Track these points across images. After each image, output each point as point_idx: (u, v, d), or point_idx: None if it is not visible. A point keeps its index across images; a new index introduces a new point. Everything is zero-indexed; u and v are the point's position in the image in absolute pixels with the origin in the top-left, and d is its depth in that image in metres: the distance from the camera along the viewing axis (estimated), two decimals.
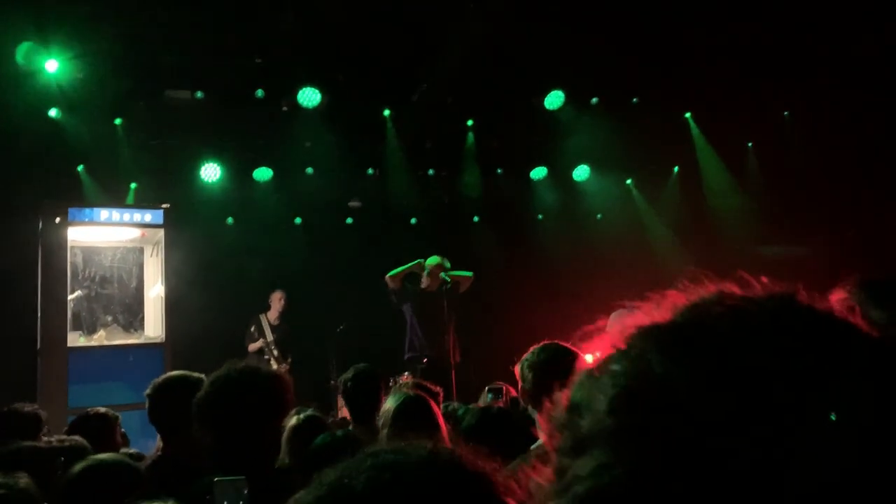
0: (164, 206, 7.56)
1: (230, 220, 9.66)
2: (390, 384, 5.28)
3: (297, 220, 10.04)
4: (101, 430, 3.74)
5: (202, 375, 2.59)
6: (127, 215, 7.47)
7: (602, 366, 0.58)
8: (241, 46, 7.68)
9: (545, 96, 8.96)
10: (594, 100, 9.16)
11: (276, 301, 8.63)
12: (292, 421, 3.20)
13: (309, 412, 3.40)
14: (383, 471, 0.76)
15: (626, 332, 0.60)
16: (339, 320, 8.36)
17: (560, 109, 9.06)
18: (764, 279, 0.59)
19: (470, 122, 9.47)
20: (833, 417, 0.48)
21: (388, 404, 2.77)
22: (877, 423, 0.48)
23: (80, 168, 8.41)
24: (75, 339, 7.13)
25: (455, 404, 4.15)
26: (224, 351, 6.98)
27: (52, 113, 7.73)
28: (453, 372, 6.77)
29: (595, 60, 8.20)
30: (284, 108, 8.58)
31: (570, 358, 2.77)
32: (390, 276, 7.38)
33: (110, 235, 7.60)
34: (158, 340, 7.28)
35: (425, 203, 10.19)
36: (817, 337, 0.53)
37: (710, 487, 0.48)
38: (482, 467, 0.80)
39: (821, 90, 8.53)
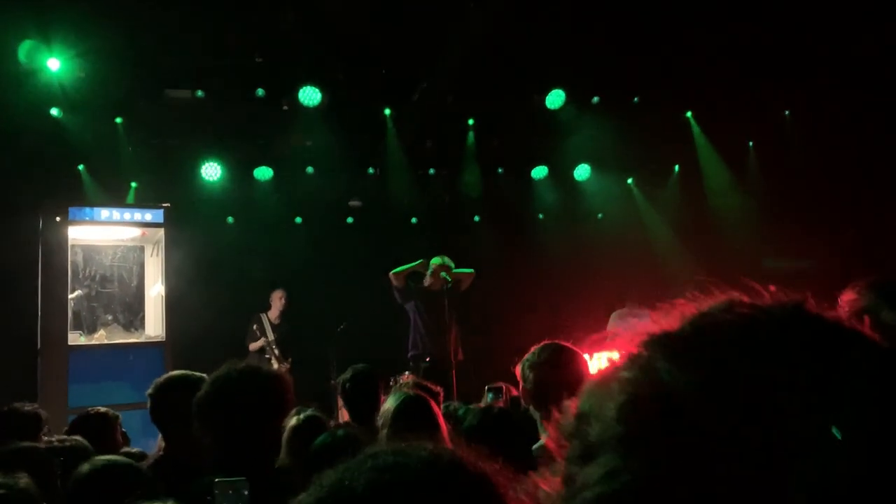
0: (164, 205, 7.56)
1: (230, 219, 9.66)
2: (391, 383, 5.29)
3: (298, 220, 10.04)
4: (102, 430, 3.74)
5: (204, 375, 2.59)
6: (127, 214, 7.48)
7: (610, 374, 0.58)
8: (242, 45, 7.68)
9: (546, 95, 8.94)
10: (595, 99, 9.15)
11: (277, 300, 8.64)
12: (292, 421, 3.20)
13: (309, 412, 3.40)
14: (384, 472, 0.76)
15: (636, 340, 0.59)
16: (340, 320, 8.36)
17: (561, 109, 9.05)
18: (772, 288, 0.60)
19: (470, 122, 9.46)
20: (838, 436, 0.48)
21: (388, 404, 2.76)
22: (884, 432, 0.48)
23: (80, 167, 8.41)
24: (76, 339, 7.13)
25: (455, 404, 4.15)
26: (224, 350, 6.98)
27: (54, 112, 7.73)
28: (455, 371, 6.77)
29: (596, 60, 8.20)
30: (285, 108, 8.57)
31: (571, 358, 2.77)
32: (394, 274, 7.39)
33: (111, 234, 7.61)
34: (159, 340, 7.29)
35: (426, 202, 10.19)
36: (825, 346, 0.53)
37: (716, 494, 0.48)
38: (483, 469, 0.80)
39: (821, 90, 8.52)
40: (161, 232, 7.49)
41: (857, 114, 8.52)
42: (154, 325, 7.53)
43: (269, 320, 8.53)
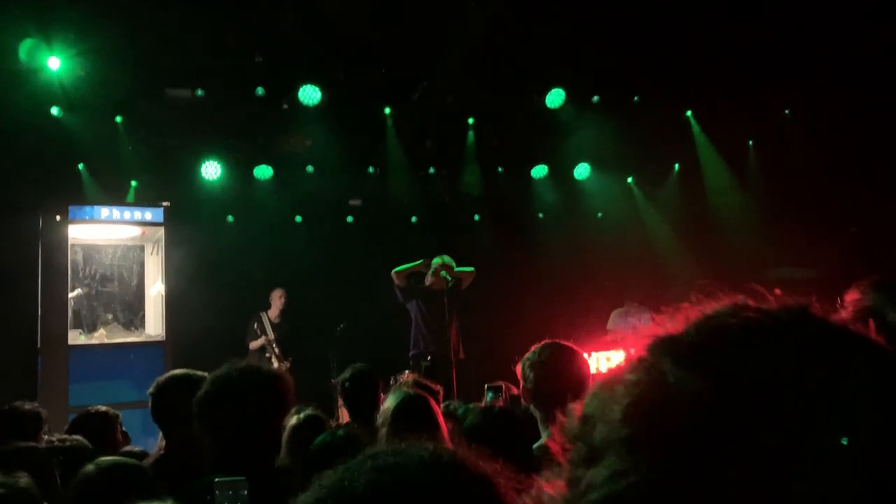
0: (164, 204, 7.56)
1: (230, 218, 9.65)
2: (391, 382, 5.29)
3: (298, 219, 10.03)
4: (102, 429, 3.74)
5: (205, 374, 2.59)
6: (127, 213, 7.48)
7: (615, 377, 0.58)
8: (242, 45, 7.68)
9: (546, 95, 8.95)
10: (595, 98, 9.15)
11: (277, 299, 8.64)
12: (292, 420, 3.20)
13: (309, 411, 3.39)
14: (384, 473, 0.76)
15: (640, 342, 0.60)
16: (340, 319, 8.36)
17: (561, 108, 9.05)
18: (777, 292, 0.60)
19: (471, 121, 9.46)
20: (844, 441, 0.48)
21: (388, 403, 2.76)
22: (890, 438, 0.48)
23: (80, 166, 8.41)
24: (76, 338, 7.13)
25: (455, 403, 4.15)
26: (224, 349, 6.99)
27: (54, 111, 7.73)
28: (456, 370, 6.78)
29: (596, 59, 8.20)
30: (285, 107, 8.57)
31: (572, 357, 2.77)
32: (395, 273, 7.40)
33: (111, 233, 7.61)
34: (159, 339, 7.29)
35: (426, 202, 10.19)
36: (831, 351, 0.53)
37: (721, 496, 0.49)
38: (484, 469, 0.80)
39: (821, 89, 8.52)
40: (161, 231, 7.49)
41: (857, 113, 8.52)
42: (154, 324, 7.53)
43: (269, 319, 8.53)
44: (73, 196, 7.80)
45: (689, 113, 9.87)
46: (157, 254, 7.60)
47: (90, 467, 2.17)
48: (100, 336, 7.28)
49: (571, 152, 10.06)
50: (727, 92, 8.81)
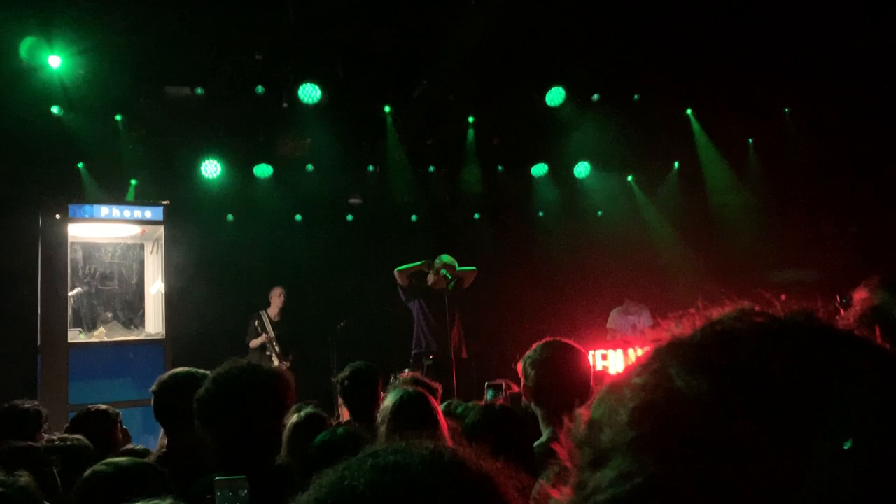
0: (164, 202, 7.56)
1: (230, 216, 9.66)
2: (391, 381, 5.28)
3: (298, 217, 10.04)
4: (102, 428, 3.73)
5: (207, 372, 2.59)
6: (127, 212, 7.47)
7: (622, 381, 0.59)
8: (242, 43, 7.68)
9: (546, 93, 8.94)
10: (595, 96, 9.15)
11: (276, 297, 8.63)
12: (293, 418, 3.19)
13: (309, 409, 3.39)
14: (384, 472, 0.76)
15: (647, 347, 0.60)
16: (340, 317, 8.36)
17: (561, 106, 9.04)
18: (783, 297, 0.61)
19: (471, 119, 9.46)
20: (847, 446, 0.49)
21: (387, 401, 2.76)
22: (894, 442, 0.49)
23: (80, 165, 8.41)
24: (76, 336, 7.13)
25: (456, 402, 4.14)
26: (224, 347, 7.01)
27: (54, 110, 7.73)
28: (457, 369, 6.78)
29: (596, 57, 8.20)
30: (285, 105, 8.57)
31: (573, 354, 2.77)
32: (398, 272, 7.40)
33: (110, 232, 7.61)
34: (159, 337, 7.29)
35: (426, 200, 10.19)
36: (837, 355, 0.54)
37: (727, 497, 0.49)
38: (485, 467, 0.80)
39: (821, 87, 8.52)
40: (161, 229, 7.49)
41: (857, 111, 8.52)
42: (154, 323, 7.53)
43: (268, 318, 8.53)
44: (73, 194, 7.80)
45: (689, 111, 9.87)
46: (157, 252, 7.60)
47: (105, 467, 2.15)
48: (99, 334, 7.28)
49: (571, 151, 10.06)
50: (727, 90, 8.81)
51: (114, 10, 6.65)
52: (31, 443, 2.90)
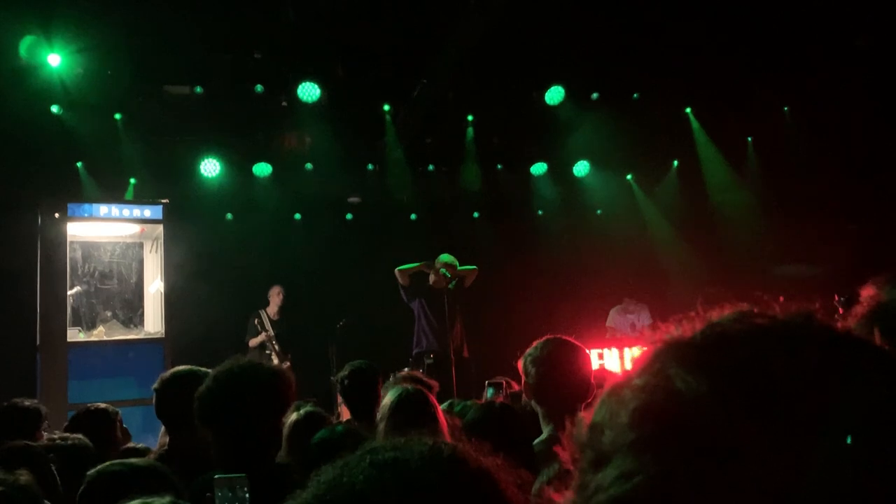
0: (163, 201, 7.56)
1: (229, 215, 9.66)
2: (390, 379, 5.28)
3: (297, 216, 10.04)
4: (102, 426, 3.73)
5: (209, 370, 2.59)
6: (126, 211, 7.47)
7: (623, 383, 0.59)
8: (241, 41, 7.67)
9: (545, 92, 8.94)
10: (594, 95, 9.15)
11: (275, 296, 8.63)
12: (292, 416, 3.19)
13: (309, 407, 3.39)
14: (383, 468, 0.76)
15: (648, 348, 0.61)
16: (339, 316, 8.36)
17: (560, 105, 9.05)
18: (781, 298, 0.62)
19: (470, 118, 9.45)
20: (849, 440, 0.49)
21: (387, 399, 2.76)
22: (892, 441, 0.49)
23: (79, 164, 8.40)
24: (75, 335, 7.13)
25: (456, 402, 4.14)
26: (224, 346, 7.00)
27: (54, 109, 7.72)
28: (458, 367, 6.79)
29: (595, 56, 8.20)
30: (284, 104, 8.56)
31: (573, 352, 2.77)
32: (399, 271, 7.40)
33: (110, 231, 7.60)
34: (158, 336, 7.28)
35: (425, 199, 10.18)
36: (836, 356, 0.55)
37: (727, 496, 0.50)
38: (484, 464, 0.80)
39: (820, 86, 8.52)
40: (160, 228, 7.48)
41: (856, 110, 8.52)
42: (153, 322, 7.53)
43: (268, 316, 8.53)
44: (73, 193, 7.81)
45: (688, 110, 9.87)
46: (157, 251, 7.60)
47: (118, 467, 2.13)
48: (99, 333, 7.27)
49: (571, 149, 10.06)
50: (726, 89, 8.81)
51: (113, 9, 6.65)
52: (30, 442, 2.90)
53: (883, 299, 1.56)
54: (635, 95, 9.21)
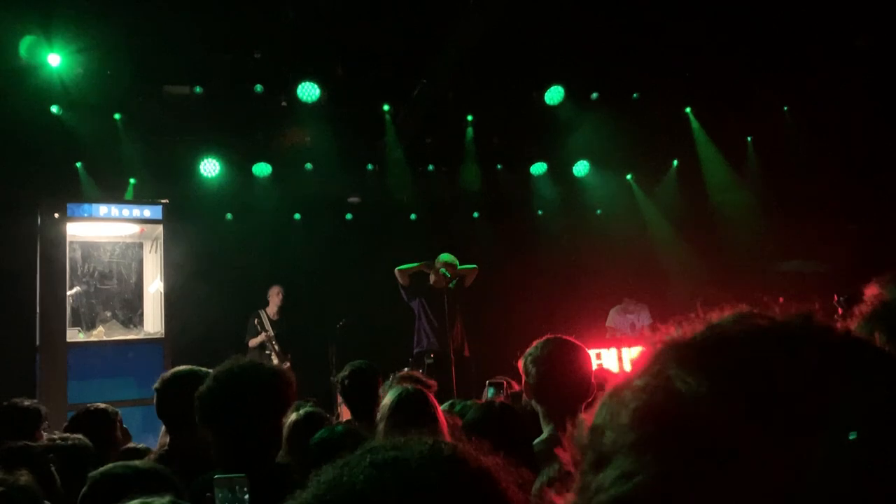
0: (163, 201, 7.56)
1: (229, 215, 9.66)
2: (389, 379, 5.28)
3: (297, 216, 10.04)
4: (102, 426, 3.73)
5: (210, 370, 2.59)
6: (126, 211, 7.47)
7: (623, 385, 0.60)
8: (241, 41, 7.67)
9: (545, 92, 8.94)
10: (594, 95, 9.15)
11: (274, 296, 8.63)
12: (292, 416, 3.19)
13: (308, 407, 3.39)
14: (383, 467, 0.76)
15: (648, 349, 0.61)
16: (339, 316, 8.36)
17: (560, 105, 9.05)
18: (780, 299, 0.62)
19: (470, 118, 9.45)
20: (852, 437, 0.49)
21: (387, 399, 2.76)
22: (891, 441, 0.50)
23: (78, 164, 8.40)
24: (74, 335, 7.13)
25: (457, 402, 4.15)
26: (223, 346, 6.99)
27: (53, 109, 7.72)
28: (458, 367, 6.79)
29: (595, 56, 8.20)
30: (284, 104, 8.56)
31: (574, 352, 2.77)
32: (399, 271, 7.40)
33: (109, 231, 7.60)
34: (158, 336, 7.28)
35: (425, 199, 10.18)
36: (835, 356, 0.55)
37: (726, 495, 0.50)
38: (485, 463, 0.79)
39: (819, 86, 8.52)
40: (160, 228, 7.49)
41: (856, 109, 8.52)
42: (153, 322, 7.53)
43: (267, 316, 8.53)
44: (72, 193, 7.80)
45: (688, 109, 9.87)
46: (156, 251, 7.60)
47: (121, 469, 2.13)
48: (98, 334, 7.27)
49: (570, 149, 10.06)
50: (726, 88, 8.81)
51: (113, 9, 6.64)
52: (30, 442, 2.90)
53: (887, 298, 1.56)
54: (635, 95, 9.21)
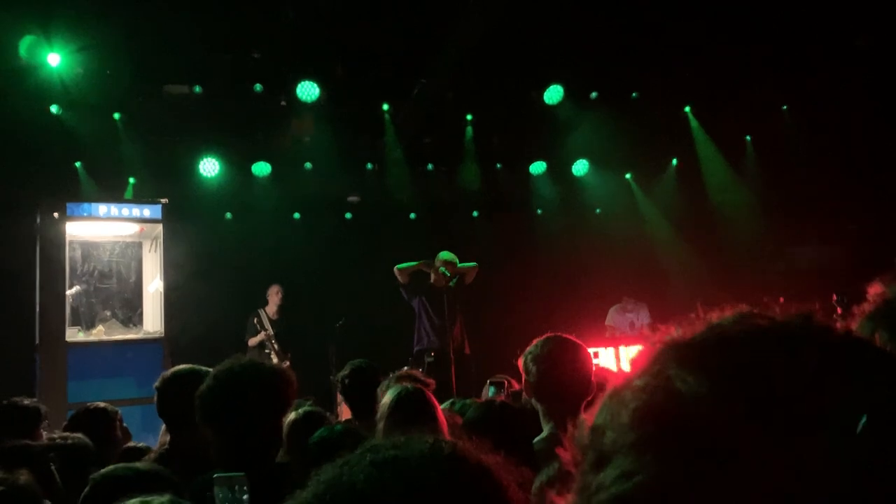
0: (162, 201, 7.55)
1: (229, 214, 9.65)
2: (388, 378, 5.27)
3: (296, 215, 10.03)
4: (101, 425, 3.73)
5: (210, 369, 2.59)
6: (125, 210, 7.47)
7: (623, 385, 0.60)
8: (240, 41, 7.66)
9: (544, 91, 8.94)
10: (593, 94, 9.14)
11: (274, 295, 8.63)
12: (291, 415, 3.19)
13: (307, 406, 3.39)
14: (384, 467, 0.76)
15: (648, 351, 0.62)
16: (339, 315, 8.36)
17: (559, 104, 9.05)
18: (781, 300, 0.63)
19: (469, 117, 9.45)
20: (860, 427, 0.50)
21: (386, 398, 2.76)
22: (891, 440, 0.50)
23: (77, 164, 8.40)
24: (74, 335, 7.12)
25: (458, 401, 4.15)
26: (223, 345, 6.99)
27: (53, 109, 7.72)
28: (458, 365, 6.79)
29: (594, 55, 8.19)
30: (283, 103, 8.56)
31: (574, 350, 2.77)
32: (398, 269, 7.39)
33: (109, 230, 7.60)
34: (157, 335, 7.28)
35: (424, 198, 10.18)
36: (834, 355, 0.55)
37: (726, 494, 0.50)
38: (485, 461, 0.79)
39: (819, 85, 8.52)
40: (159, 228, 7.49)
41: (856, 109, 8.52)
42: (152, 321, 7.53)
43: (267, 316, 8.53)
44: (72, 193, 7.80)
45: (687, 109, 9.87)
46: (156, 251, 7.60)
47: (123, 471, 2.12)
48: (98, 333, 7.27)
49: (570, 148, 10.06)
50: (725, 88, 8.81)
51: (113, 9, 6.64)
52: (30, 441, 2.90)
53: (890, 296, 1.55)
54: (634, 94, 9.21)
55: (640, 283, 9.17)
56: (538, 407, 2.76)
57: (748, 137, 10.23)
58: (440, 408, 2.82)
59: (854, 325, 1.55)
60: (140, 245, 7.80)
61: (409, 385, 2.77)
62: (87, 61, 7.31)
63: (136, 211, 7.49)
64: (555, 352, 2.73)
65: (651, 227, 10.74)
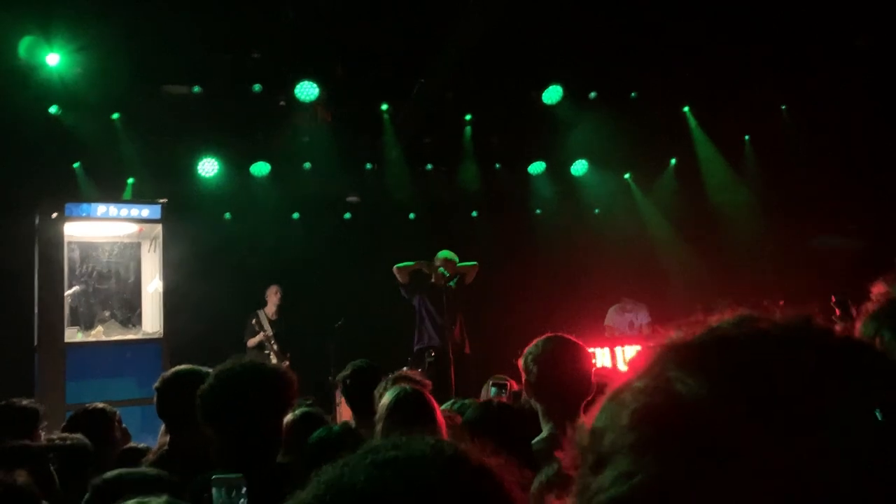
0: (161, 201, 7.54)
1: (228, 214, 9.65)
2: (386, 378, 5.27)
3: (295, 215, 10.03)
4: (100, 426, 3.72)
5: (210, 370, 2.59)
6: (124, 210, 7.46)
7: (623, 387, 0.60)
8: (240, 41, 7.66)
9: (544, 91, 8.94)
10: (592, 94, 9.15)
11: (272, 295, 8.63)
12: (289, 416, 3.19)
13: (305, 407, 3.39)
14: (385, 467, 0.75)
15: (648, 353, 0.62)
16: (338, 315, 8.36)
17: (558, 104, 9.05)
18: (781, 303, 0.63)
19: (468, 117, 9.45)
20: (879, 419, 0.50)
21: (385, 398, 2.76)
22: (890, 441, 0.50)
23: (76, 164, 8.39)
24: (73, 335, 7.12)
25: (455, 400, 4.14)
26: (222, 345, 6.99)
27: (52, 110, 7.71)
28: (459, 364, 6.79)
29: (593, 55, 8.20)
30: (282, 103, 8.56)
31: (574, 350, 2.77)
32: (397, 269, 7.39)
33: (108, 231, 7.59)
34: (156, 336, 7.27)
35: (424, 198, 10.18)
36: (833, 358, 0.55)
37: (724, 495, 0.50)
38: (486, 462, 0.79)
39: (818, 85, 8.53)
40: (158, 228, 7.48)
41: (856, 109, 8.53)
42: (151, 322, 7.52)
43: (266, 316, 8.52)
44: (70, 193, 7.79)
45: (686, 108, 9.87)
46: (155, 251, 7.59)
47: (124, 475, 2.11)
48: (97, 333, 7.26)
49: (569, 148, 10.06)
50: (724, 87, 8.82)
51: (113, 9, 6.63)
52: (28, 441, 2.89)
53: (893, 296, 1.56)
54: (633, 94, 9.21)
55: (640, 283, 9.17)
56: (538, 407, 2.76)
57: (747, 137, 10.23)
58: (439, 408, 2.82)
59: (858, 325, 1.56)
60: (139, 245, 7.79)
61: (407, 386, 2.77)
62: (86, 61, 7.30)
63: (135, 211, 7.48)
64: (555, 352, 2.72)
65: (650, 227, 10.75)
